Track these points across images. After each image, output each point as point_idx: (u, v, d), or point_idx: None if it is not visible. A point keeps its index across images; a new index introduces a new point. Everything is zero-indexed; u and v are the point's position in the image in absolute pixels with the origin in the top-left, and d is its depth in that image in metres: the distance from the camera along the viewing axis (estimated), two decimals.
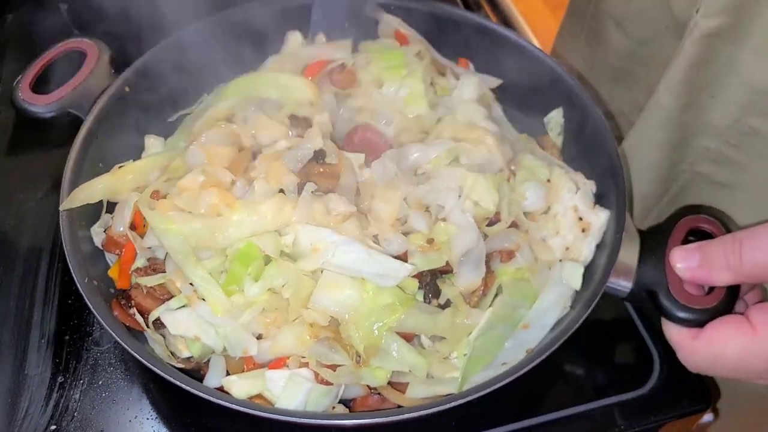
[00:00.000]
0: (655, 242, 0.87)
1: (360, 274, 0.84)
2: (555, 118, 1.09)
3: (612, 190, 0.95)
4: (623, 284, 0.87)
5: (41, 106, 1.03)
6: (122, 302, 0.90)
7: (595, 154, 1.00)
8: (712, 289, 0.83)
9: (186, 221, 0.87)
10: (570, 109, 1.07)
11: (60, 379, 0.96)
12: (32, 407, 0.93)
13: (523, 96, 1.13)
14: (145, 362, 0.80)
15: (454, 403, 0.78)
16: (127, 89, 1.05)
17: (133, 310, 0.89)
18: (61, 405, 0.93)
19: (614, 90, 1.30)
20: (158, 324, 0.88)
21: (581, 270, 0.91)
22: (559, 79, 1.07)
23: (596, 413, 0.95)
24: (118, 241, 0.93)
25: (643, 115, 1.13)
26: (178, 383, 0.78)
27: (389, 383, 0.86)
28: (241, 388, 0.84)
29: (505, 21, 1.51)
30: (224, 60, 1.11)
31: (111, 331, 0.82)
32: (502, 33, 1.12)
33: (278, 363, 0.85)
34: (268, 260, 0.87)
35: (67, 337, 1.00)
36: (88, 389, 0.95)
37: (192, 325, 0.86)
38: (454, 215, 0.92)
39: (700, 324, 0.82)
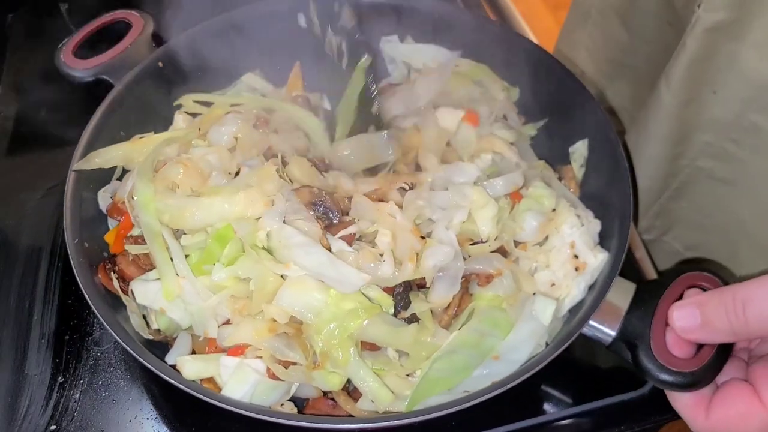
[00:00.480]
0: (649, 294, 0.83)
1: (320, 277, 0.84)
2: (580, 150, 1.05)
3: (616, 232, 0.92)
4: (606, 331, 0.83)
5: (79, 70, 1.07)
6: (107, 266, 0.91)
7: (609, 192, 0.96)
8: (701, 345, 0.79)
9: (161, 196, 0.89)
10: (594, 143, 1.04)
11: (60, 379, 0.96)
12: (32, 407, 0.93)
13: (551, 121, 1.10)
14: (112, 330, 0.81)
15: (394, 422, 0.78)
16: (160, 64, 1.07)
17: (116, 275, 0.91)
18: (61, 405, 0.93)
19: (617, 85, 1.30)
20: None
21: (552, 307, 0.87)
22: (590, 111, 1.02)
23: (596, 413, 0.95)
24: (121, 208, 0.95)
25: (645, 110, 1.12)
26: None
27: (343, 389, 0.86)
28: (192, 368, 0.85)
29: (505, 21, 1.51)
30: (260, 48, 1.12)
31: (85, 293, 0.84)
32: (539, 54, 1.08)
33: (237, 350, 0.85)
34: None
35: (67, 337, 1.00)
36: (88, 389, 0.95)
37: (160, 298, 0.87)
38: (437, 230, 0.90)
39: (684, 386, 0.78)
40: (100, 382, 0.96)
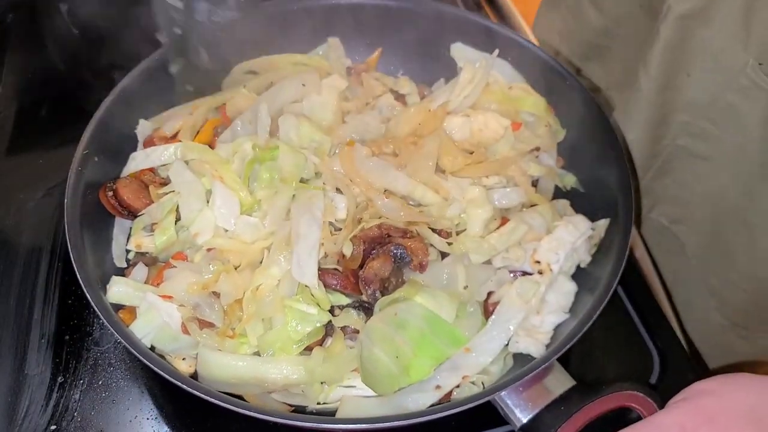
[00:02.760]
0: (577, 396, 0.79)
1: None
2: (599, 229, 0.98)
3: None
4: (517, 414, 0.80)
5: None
6: (108, 186, 0.98)
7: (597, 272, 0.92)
8: None
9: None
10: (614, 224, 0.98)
11: (60, 379, 0.96)
12: (32, 407, 0.93)
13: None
14: (86, 291, 0.83)
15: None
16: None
17: (111, 193, 0.97)
18: (61, 405, 0.93)
19: (590, 66, 1.32)
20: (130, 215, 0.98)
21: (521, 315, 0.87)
22: (616, 194, 0.96)
23: None
24: (156, 143, 1.02)
25: (625, 95, 1.15)
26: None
27: None
28: (118, 290, 0.89)
29: (505, 21, 1.50)
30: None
31: (67, 229, 0.87)
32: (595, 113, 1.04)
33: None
34: None
35: (67, 337, 1.00)
36: (88, 389, 0.95)
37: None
38: None
39: None
40: (100, 382, 0.96)
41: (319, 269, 0.88)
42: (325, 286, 0.89)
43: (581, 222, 0.95)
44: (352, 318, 0.89)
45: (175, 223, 0.96)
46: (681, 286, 1.24)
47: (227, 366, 0.85)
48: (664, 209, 1.24)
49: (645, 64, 1.08)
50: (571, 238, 0.92)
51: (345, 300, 0.91)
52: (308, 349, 0.87)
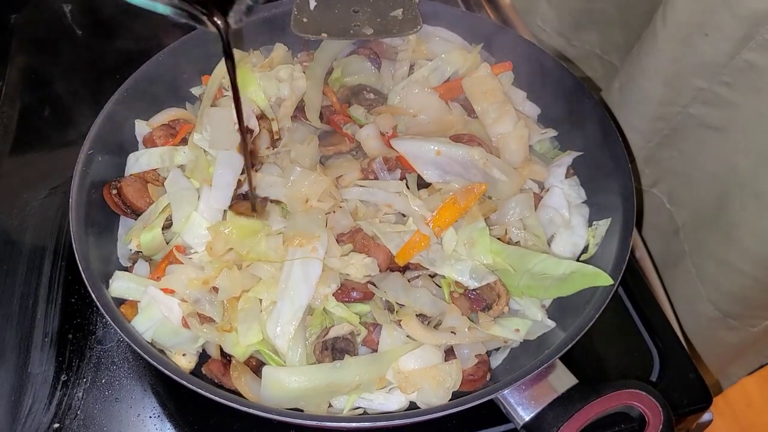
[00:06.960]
0: (579, 395, 0.80)
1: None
2: (600, 229, 0.98)
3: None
4: (520, 412, 0.81)
5: None
6: (112, 184, 0.98)
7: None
8: None
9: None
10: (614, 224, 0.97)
11: (63, 377, 0.96)
12: (36, 405, 0.94)
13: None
14: (90, 287, 0.84)
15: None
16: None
17: (115, 191, 0.98)
18: (64, 403, 0.94)
19: (584, 33, 1.28)
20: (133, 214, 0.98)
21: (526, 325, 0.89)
22: (618, 194, 0.96)
23: None
24: (155, 142, 1.02)
25: (638, 46, 1.11)
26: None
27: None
28: (120, 284, 0.89)
29: (506, 22, 1.51)
30: None
31: (72, 219, 0.88)
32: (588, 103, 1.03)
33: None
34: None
35: (70, 336, 1.00)
36: (91, 387, 0.96)
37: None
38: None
39: None
40: (103, 381, 0.97)
41: (339, 288, 0.87)
42: (345, 302, 0.88)
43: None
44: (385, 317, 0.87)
45: (169, 227, 0.95)
46: (670, 274, 1.21)
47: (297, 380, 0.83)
48: (666, 187, 1.19)
49: (664, 16, 1.02)
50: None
51: (366, 308, 0.89)
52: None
